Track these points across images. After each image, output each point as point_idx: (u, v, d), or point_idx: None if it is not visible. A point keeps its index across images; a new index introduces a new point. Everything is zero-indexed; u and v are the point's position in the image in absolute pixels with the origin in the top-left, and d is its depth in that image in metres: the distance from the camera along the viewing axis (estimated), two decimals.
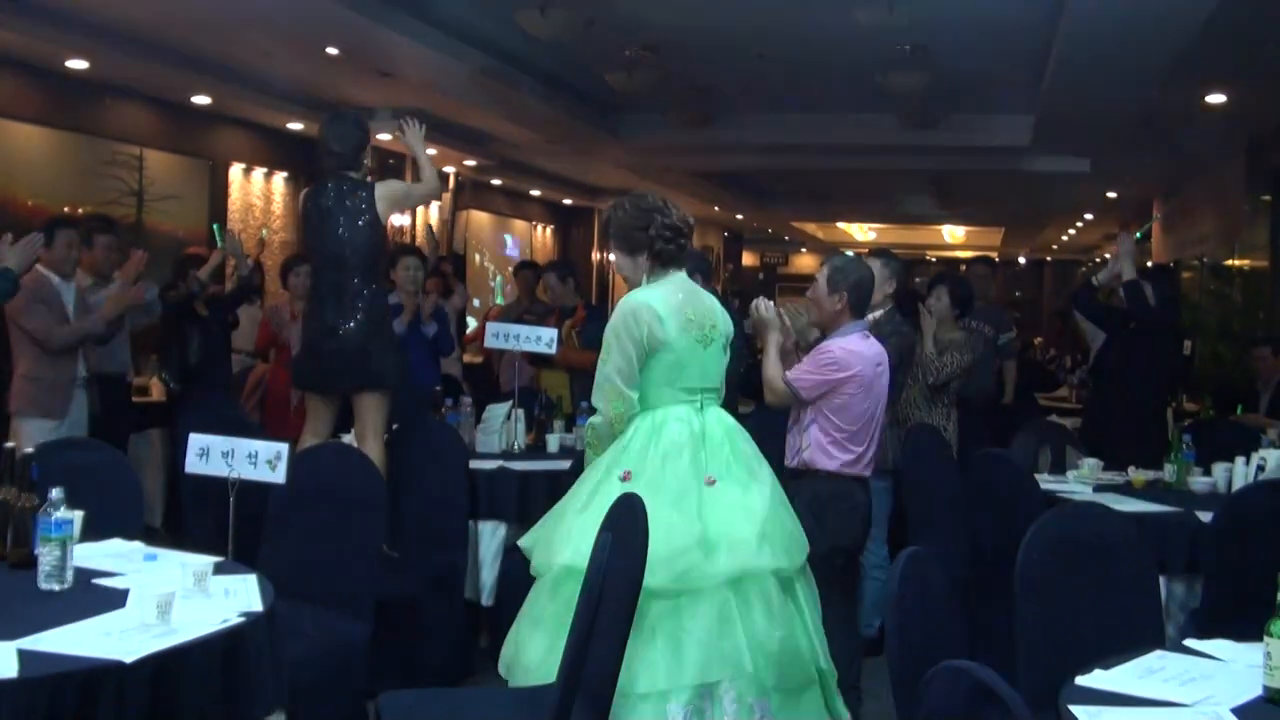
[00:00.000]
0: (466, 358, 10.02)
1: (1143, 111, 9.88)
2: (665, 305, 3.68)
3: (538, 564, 3.63)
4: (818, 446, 4.46)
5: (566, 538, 3.51)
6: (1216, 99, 10.03)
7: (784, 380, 4.47)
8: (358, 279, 5.19)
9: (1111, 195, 17.24)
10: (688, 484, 3.56)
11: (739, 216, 23.11)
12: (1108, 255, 24.77)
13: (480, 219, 17.88)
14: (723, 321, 3.85)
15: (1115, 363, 6.34)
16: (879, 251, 5.86)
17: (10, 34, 8.28)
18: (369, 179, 5.36)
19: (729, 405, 4.05)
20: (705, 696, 3.36)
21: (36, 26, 8.25)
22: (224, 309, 7.64)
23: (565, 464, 5.29)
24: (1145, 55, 7.81)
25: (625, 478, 3.56)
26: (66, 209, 9.69)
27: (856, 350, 4.47)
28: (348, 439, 5.30)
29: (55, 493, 2.90)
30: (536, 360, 7.82)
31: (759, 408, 4.73)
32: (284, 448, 3.65)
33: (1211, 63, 8.61)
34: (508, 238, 19.06)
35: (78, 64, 9.34)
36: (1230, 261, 12.39)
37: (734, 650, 3.41)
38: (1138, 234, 6.72)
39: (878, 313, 5.50)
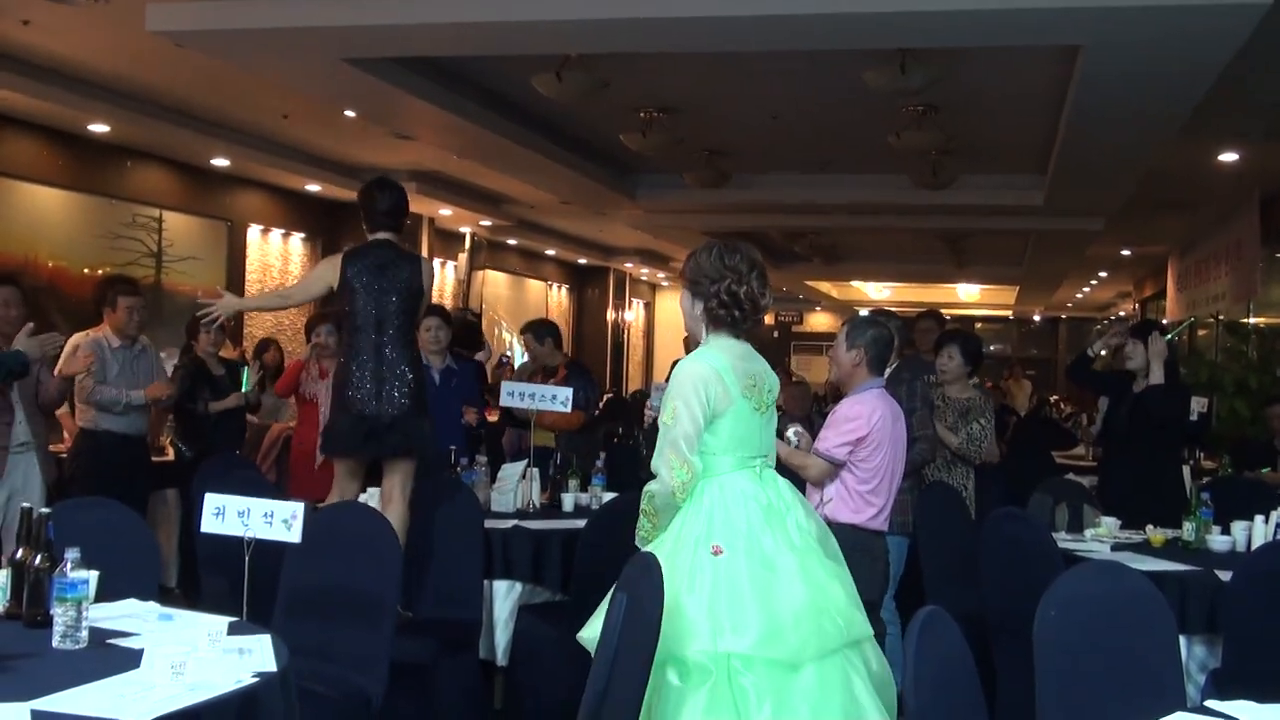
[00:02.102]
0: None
1: (1156, 170, 9.91)
2: (729, 368, 3.57)
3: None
4: (840, 499, 4.54)
5: (690, 626, 3.31)
6: (1229, 157, 10.06)
7: (817, 456, 4.52)
8: (398, 344, 5.21)
9: (1126, 253, 17.26)
10: (781, 550, 3.45)
11: None
12: (1122, 313, 24.79)
13: (496, 278, 17.98)
14: (776, 386, 3.74)
15: (1124, 424, 6.32)
16: (878, 312, 5.95)
17: (32, 98, 8.41)
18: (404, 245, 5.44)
19: None
20: None
21: (59, 91, 8.39)
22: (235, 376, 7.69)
23: (580, 523, 5.28)
24: (1157, 116, 7.86)
25: (717, 552, 3.41)
26: (87, 270, 9.80)
27: (872, 405, 4.56)
28: (365, 498, 5.30)
29: (71, 552, 2.91)
30: (517, 422, 7.90)
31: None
32: (299, 507, 3.64)
33: (1223, 122, 8.66)
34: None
35: (99, 128, 9.48)
36: (1246, 319, 12.36)
37: (871, 716, 3.35)
38: (1169, 335, 6.67)
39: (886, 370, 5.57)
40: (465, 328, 9.90)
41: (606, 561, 3.75)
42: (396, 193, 5.39)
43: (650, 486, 3.55)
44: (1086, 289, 23.57)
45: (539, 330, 7.76)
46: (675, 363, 3.79)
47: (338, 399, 5.31)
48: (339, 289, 5.25)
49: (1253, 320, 12.25)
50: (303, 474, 6.90)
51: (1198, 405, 6.69)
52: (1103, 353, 7.08)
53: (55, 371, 6.21)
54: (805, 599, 3.39)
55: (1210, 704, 2.90)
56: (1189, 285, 15.55)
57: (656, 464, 3.54)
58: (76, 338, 6.67)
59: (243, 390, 7.40)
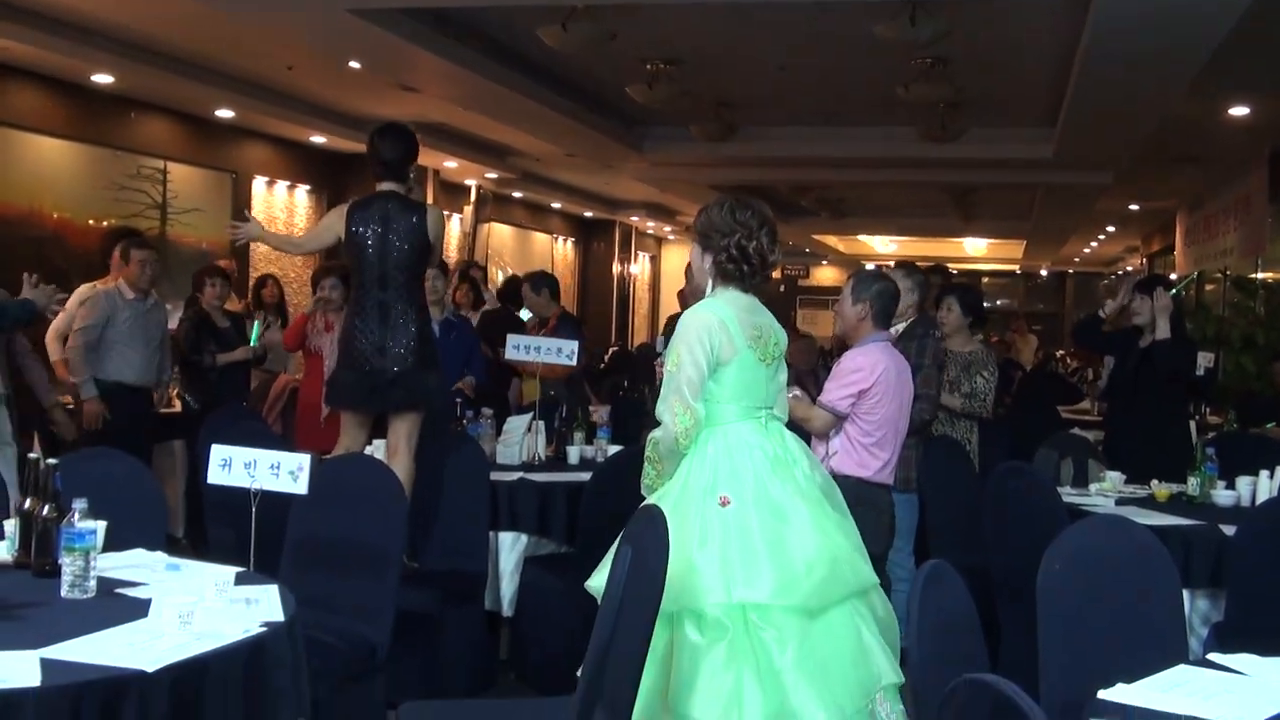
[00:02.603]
0: None
1: (1166, 124, 9.85)
2: (735, 319, 3.60)
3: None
4: (845, 452, 4.56)
5: (704, 580, 3.35)
6: (1239, 111, 9.99)
7: (819, 407, 4.52)
8: (403, 297, 5.17)
9: (1134, 208, 17.19)
10: (789, 500, 3.48)
11: None
12: (1129, 268, 24.70)
13: (501, 231, 17.93)
14: (783, 340, 3.76)
15: (1130, 379, 6.30)
16: (901, 264, 5.92)
17: (37, 49, 8.36)
18: (412, 193, 5.37)
19: None
20: (871, 709, 3.36)
21: (63, 41, 8.34)
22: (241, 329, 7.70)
23: (585, 475, 5.30)
24: (1168, 68, 7.79)
25: (725, 502, 3.45)
26: (91, 222, 9.78)
27: (875, 358, 4.57)
28: (371, 450, 5.31)
29: (79, 503, 2.92)
30: (514, 370, 8.04)
31: None
32: (306, 459, 3.65)
33: (1234, 75, 8.59)
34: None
35: (103, 78, 9.43)
36: (1254, 275, 12.33)
37: (882, 659, 3.42)
38: (1174, 290, 6.63)
39: (900, 325, 5.55)
40: (510, 285, 9.88)
41: (612, 513, 3.76)
42: (398, 141, 5.30)
43: (654, 434, 3.60)
44: (1094, 243, 23.49)
45: (536, 281, 7.93)
46: (671, 318, 3.81)
47: (343, 352, 5.31)
48: (345, 241, 5.22)
49: (1260, 275, 12.22)
50: (308, 426, 6.91)
51: (1204, 360, 6.67)
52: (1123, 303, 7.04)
53: (53, 329, 6.24)
54: (817, 547, 3.43)
55: (1213, 657, 2.92)
56: (1197, 240, 15.49)
57: (660, 410, 3.58)
58: (84, 289, 6.67)
59: (250, 344, 7.41)
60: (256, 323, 7.51)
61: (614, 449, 6.01)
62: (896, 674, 3.46)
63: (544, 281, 7.91)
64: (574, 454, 6.01)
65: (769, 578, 3.35)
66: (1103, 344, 6.93)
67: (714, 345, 3.55)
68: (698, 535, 3.40)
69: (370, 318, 5.16)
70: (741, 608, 3.32)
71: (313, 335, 7.20)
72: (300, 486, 3.63)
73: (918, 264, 6.14)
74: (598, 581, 3.53)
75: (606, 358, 15.43)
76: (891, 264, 6.38)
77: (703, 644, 3.30)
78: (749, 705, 3.26)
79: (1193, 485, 5.29)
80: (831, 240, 25.07)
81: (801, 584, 3.35)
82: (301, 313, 7.54)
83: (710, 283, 3.72)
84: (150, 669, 2.39)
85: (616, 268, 21.61)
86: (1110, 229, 20.63)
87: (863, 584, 3.51)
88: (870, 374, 4.54)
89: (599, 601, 3.43)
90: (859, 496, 4.42)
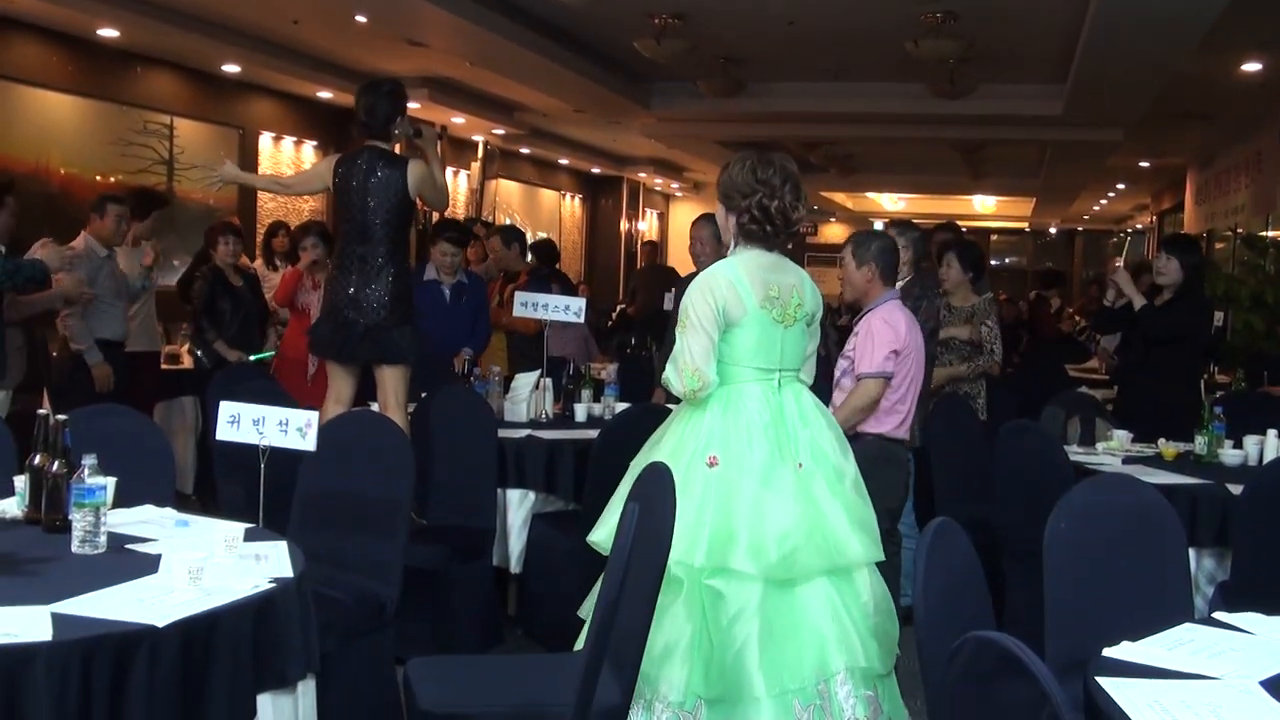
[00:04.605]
0: None
1: (1177, 80, 9.77)
2: (747, 279, 3.53)
3: None
4: None
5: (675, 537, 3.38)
6: (1252, 67, 9.91)
7: (863, 379, 4.54)
8: (382, 252, 5.22)
9: (1144, 165, 17.09)
10: (778, 467, 3.44)
11: None
12: (1139, 226, 24.59)
13: (509, 188, 17.87)
14: (810, 300, 3.67)
15: (1142, 338, 6.27)
16: (896, 222, 5.93)
17: (42, 2, 8.31)
18: (398, 149, 5.38)
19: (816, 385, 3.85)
20: (824, 691, 3.34)
21: None
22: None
23: (592, 433, 5.30)
24: (1180, 23, 7.72)
25: (712, 463, 3.44)
26: (99, 177, 9.76)
27: (898, 317, 4.64)
28: (376, 407, 5.33)
29: (88, 459, 2.93)
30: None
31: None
32: (314, 415, 3.66)
33: (1247, 30, 8.51)
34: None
35: (109, 33, 9.38)
36: (1265, 233, 12.26)
37: (847, 642, 3.38)
38: (1118, 263, 6.65)
39: (898, 283, 5.54)
40: (546, 245, 9.80)
41: (619, 471, 3.77)
42: (369, 98, 5.30)
43: (666, 378, 3.62)
44: (1104, 201, 23.36)
45: (507, 236, 7.92)
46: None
47: (324, 302, 5.48)
48: (333, 193, 5.32)
49: (1271, 234, 12.15)
50: (290, 384, 6.90)
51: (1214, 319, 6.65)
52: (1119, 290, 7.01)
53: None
54: (796, 517, 3.40)
55: (1218, 615, 2.92)
56: (1208, 198, 15.41)
57: (668, 374, 3.58)
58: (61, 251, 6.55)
59: (250, 358, 7.36)
60: (265, 354, 7.50)
61: (621, 406, 6.01)
62: (874, 661, 3.43)
63: (514, 235, 7.86)
64: (581, 411, 6.01)
65: (737, 543, 3.35)
66: (1124, 323, 6.88)
67: (720, 305, 3.51)
68: (679, 491, 3.41)
69: (349, 270, 5.26)
70: (703, 570, 3.34)
71: (301, 293, 7.24)
72: (308, 443, 3.64)
73: (914, 221, 6.10)
74: (598, 536, 3.56)
75: (614, 315, 15.40)
76: (888, 223, 6.37)
77: (664, 601, 3.27)
78: (693, 660, 3.30)
79: (1200, 444, 5.29)
80: (840, 197, 24.95)
81: (769, 553, 3.34)
82: (295, 268, 7.53)
83: (733, 242, 3.68)
84: (160, 624, 2.41)
85: (624, 224, 21.53)
86: (1120, 186, 20.52)
87: (847, 561, 3.45)
88: (898, 335, 4.63)
89: (601, 554, 3.47)
90: (880, 453, 4.46)
